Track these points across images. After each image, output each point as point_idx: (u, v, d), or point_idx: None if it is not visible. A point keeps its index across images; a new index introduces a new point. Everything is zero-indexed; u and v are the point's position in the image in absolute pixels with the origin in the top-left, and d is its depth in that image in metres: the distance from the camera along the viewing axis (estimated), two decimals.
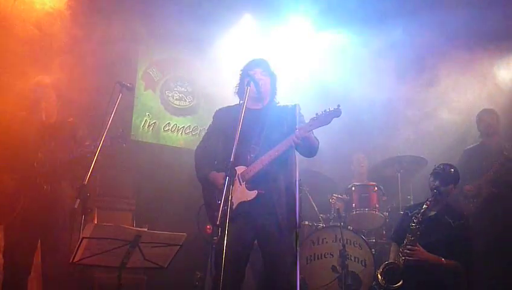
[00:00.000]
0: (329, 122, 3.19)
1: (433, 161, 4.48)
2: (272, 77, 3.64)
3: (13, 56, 3.06)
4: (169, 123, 6.12)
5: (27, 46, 4.32)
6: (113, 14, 5.29)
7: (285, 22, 6.04)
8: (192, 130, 6.09)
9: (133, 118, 5.92)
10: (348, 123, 5.77)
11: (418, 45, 5.58)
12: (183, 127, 6.17)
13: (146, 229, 2.90)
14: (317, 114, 3.21)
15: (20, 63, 3.04)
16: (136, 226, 5.38)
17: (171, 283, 5.03)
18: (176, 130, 6.14)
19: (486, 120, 5.17)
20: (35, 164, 3.91)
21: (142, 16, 5.55)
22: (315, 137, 3.42)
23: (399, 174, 5.45)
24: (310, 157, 3.51)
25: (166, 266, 3.11)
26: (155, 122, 6.04)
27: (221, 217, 2.91)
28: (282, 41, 5.98)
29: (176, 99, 6.23)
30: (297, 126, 3.26)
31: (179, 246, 3.01)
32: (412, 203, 5.20)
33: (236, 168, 3.29)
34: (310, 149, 3.42)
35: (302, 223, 5.33)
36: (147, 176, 5.64)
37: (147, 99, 6.06)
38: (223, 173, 3.02)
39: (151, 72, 6.13)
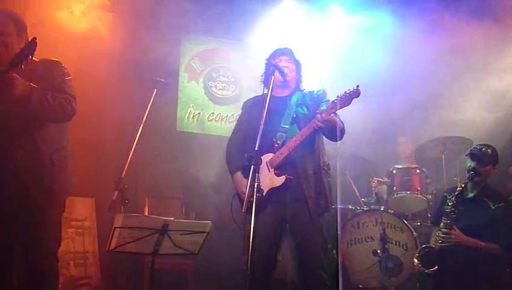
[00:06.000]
0: (350, 103, 3.19)
1: (479, 142, 4.34)
2: (297, 64, 3.70)
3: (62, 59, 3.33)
4: (213, 113, 6.30)
5: (71, 50, 4.60)
6: (153, 9, 5.51)
7: (323, 7, 6.00)
8: (236, 118, 6.20)
9: (178, 110, 6.13)
10: (388, 105, 5.74)
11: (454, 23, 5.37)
12: (227, 116, 6.33)
13: (173, 218, 3.06)
14: (337, 96, 3.23)
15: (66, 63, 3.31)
16: (184, 214, 5.63)
17: (219, 266, 5.23)
18: (220, 119, 6.31)
19: None
20: None
21: (181, 10, 5.71)
22: (340, 120, 3.43)
23: (443, 155, 5.30)
24: (336, 140, 3.50)
25: (197, 252, 3.27)
26: (199, 112, 6.23)
27: (246, 205, 3.05)
28: (320, 26, 5.95)
29: (219, 89, 6.38)
30: (318, 110, 3.29)
31: (206, 233, 3.16)
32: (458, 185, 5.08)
33: (264, 155, 3.39)
34: (334, 132, 3.41)
35: (345, 207, 5.36)
36: (193, 165, 5.83)
37: (190, 91, 6.25)
38: (246, 181, 3.10)
39: (193, 64, 6.30)
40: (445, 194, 4.20)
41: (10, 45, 3.01)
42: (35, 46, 2.79)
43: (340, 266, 4.68)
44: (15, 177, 2.91)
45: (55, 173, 3.02)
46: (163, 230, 3.02)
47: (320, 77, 4.91)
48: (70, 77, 3.16)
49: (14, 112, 2.90)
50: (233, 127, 3.93)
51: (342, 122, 3.45)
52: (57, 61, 3.19)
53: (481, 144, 4.04)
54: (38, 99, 2.87)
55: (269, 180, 3.42)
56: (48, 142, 3.01)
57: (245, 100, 3.87)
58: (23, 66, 2.80)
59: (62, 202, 3.15)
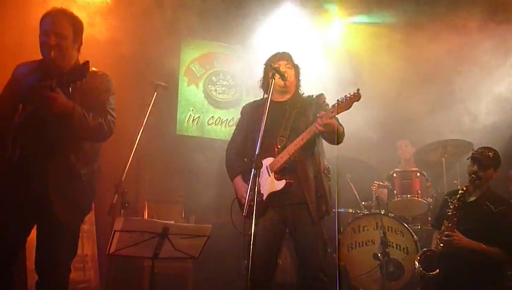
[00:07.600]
0: (350, 107, 3.17)
1: (480, 145, 4.32)
2: (296, 68, 3.68)
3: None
4: (213, 116, 6.30)
5: None
6: (153, 13, 5.50)
7: (323, 11, 6.01)
8: (235, 122, 6.19)
9: (178, 114, 6.14)
10: (390, 109, 5.74)
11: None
12: (227, 119, 6.33)
13: (173, 222, 3.04)
14: (338, 100, 3.22)
15: None
16: (184, 218, 5.62)
17: (218, 271, 5.20)
18: (220, 123, 6.31)
19: None
20: None
21: (181, 13, 5.71)
22: (339, 123, 3.42)
23: (444, 158, 5.30)
24: (336, 144, 3.48)
25: (197, 255, 3.24)
26: (199, 116, 6.23)
27: (246, 210, 3.04)
28: (320, 31, 5.96)
29: (219, 93, 6.39)
30: (318, 114, 3.29)
31: (206, 237, 3.14)
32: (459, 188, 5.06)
33: (264, 160, 3.37)
34: (334, 136, 3.39)
35: (345, 210, 5.36)
36: (193, 169, 5.82)
37: (190, 94, 6.25)
38: (246, 186, 3.12)
39: (193, 68, 6.31)
40: (446, 197, 4.18)
41: (65, 49, 2.95)
42: (88, 71, 2.75)
43: (339, 270, 4.69)
44: (41, 188, 2.88)
45: (81, 188, 3.01)
46: (164, 234, 2.99)
47: (321, 81, 4.91)
48: (113, 95, 3.15)
49: (53, 129, 2.88)
50: (232, 131, 3.92)
51: (342, 126, 3.44)
52: (105, 74, 3.15)
53: (483, 147, 4.02)
54: (78, 119, 2.86)
55: (269, 184, 3.40)
56: (81, 159, 3.01)
57: (243, 105, 3.87)
58: (70, 89, 2.78)
59: (83, 217, 3.14)
